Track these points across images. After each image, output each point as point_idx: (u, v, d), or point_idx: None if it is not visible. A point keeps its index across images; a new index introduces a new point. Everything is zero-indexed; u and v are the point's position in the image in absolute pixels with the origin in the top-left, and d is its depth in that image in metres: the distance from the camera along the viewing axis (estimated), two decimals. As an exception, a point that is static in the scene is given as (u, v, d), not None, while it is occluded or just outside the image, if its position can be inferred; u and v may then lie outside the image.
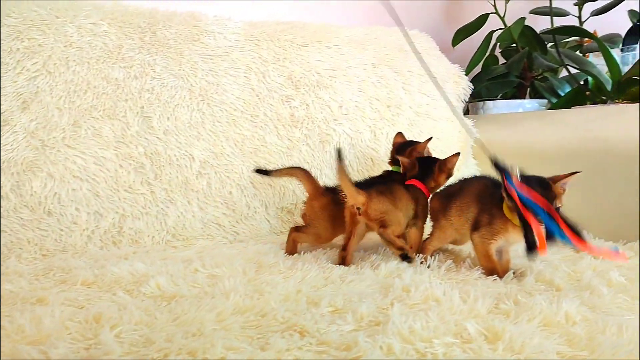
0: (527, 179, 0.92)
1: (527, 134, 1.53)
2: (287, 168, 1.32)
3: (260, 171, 1.26)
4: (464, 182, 1.10)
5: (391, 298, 0.80)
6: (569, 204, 1.33)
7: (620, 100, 1.67)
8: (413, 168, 1.17)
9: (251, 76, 1.46)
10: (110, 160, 1.27)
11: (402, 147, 1.28)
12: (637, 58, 1.66)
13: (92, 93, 1.29)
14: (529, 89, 2.07)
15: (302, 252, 1.12)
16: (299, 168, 1.26)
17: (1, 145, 1.19)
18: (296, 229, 1.18)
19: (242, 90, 1.44)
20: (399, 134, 1.36)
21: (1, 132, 1.19)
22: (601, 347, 0.62)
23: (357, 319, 0.71)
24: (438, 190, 1.16)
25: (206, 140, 1.36)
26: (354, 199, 1.05)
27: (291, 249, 1.16)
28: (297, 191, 1.38)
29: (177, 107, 1.36)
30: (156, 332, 0.66)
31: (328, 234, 1.17)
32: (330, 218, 1.15)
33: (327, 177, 1.41)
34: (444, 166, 1.15)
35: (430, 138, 1.28)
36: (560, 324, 0.69)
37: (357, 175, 1.45)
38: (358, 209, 1.05)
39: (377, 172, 1.48)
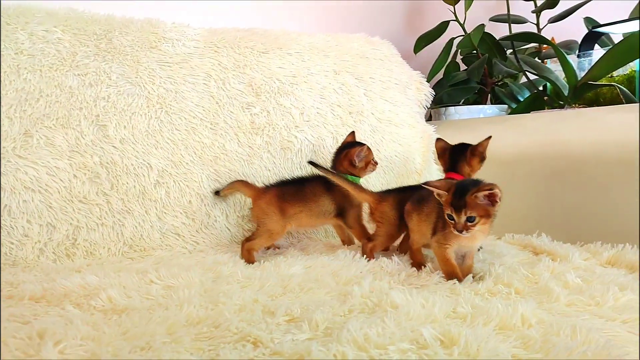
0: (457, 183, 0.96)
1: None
2: (229, 184, 1.33)
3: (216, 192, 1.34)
4: None
5: (349, 305, 0.79)
6: (527, 204, 1.35)
7: (577, 105, 1.70)
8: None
9: (211, 83, 1.44)
10: (64, 170, 1.23)
11: (340, 150, 1.32)
12: (593, 64, 1.69)
13: (45, 101, 1.26)
14: (490, 95, 2.09)
15: (262, 262, 1.11)
16: (237, 180, 1.33)
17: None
18: (247, 239, 1.19)
19: (202, 98, 1.42)
20: (351, 133, 1.37)
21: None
22: (555, 348, 0.62)
23: (312, 328, 0.70)
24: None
25: (164, 149, 1.33)
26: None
27: (248, 259, 1.14)
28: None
29: (134, 115, 1.33)
30: (103, 347, 0.63)
31: (279, 227, 1.21)
32: (278, 210, 1.20)
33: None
34: (476, 150, 1.24)
35: (364, 145, 1.28)
36: (516, 326, 0.69)
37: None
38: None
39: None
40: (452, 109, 1.95)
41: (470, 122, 1.76)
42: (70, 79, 1.29)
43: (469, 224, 0.91)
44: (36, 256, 1.15)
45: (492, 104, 2.07)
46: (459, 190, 0.92)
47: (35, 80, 1.26)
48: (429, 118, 2.02)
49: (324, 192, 1.25)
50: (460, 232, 0.91)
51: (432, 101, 1.87)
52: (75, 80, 1.30)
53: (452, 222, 0.92)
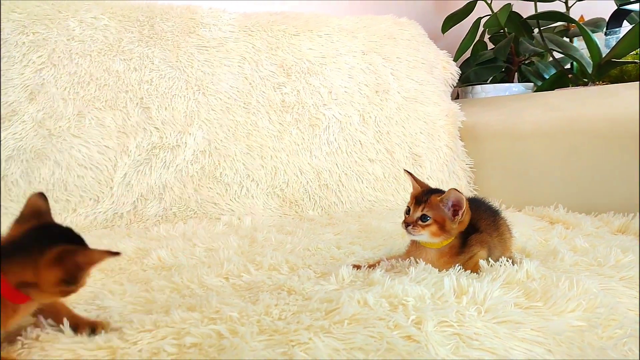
0: None
1: (510, 116, 1.60)
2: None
3: None
4: None
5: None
6: (547, 178, 1.41)
7: (601, 83, 1.73)
8: None
9: (245, 65, 1.53)
10: (112, 149, 1.34)
11: None
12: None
13: (95, 84, 1.37)
14: (517, 74, 2.13)
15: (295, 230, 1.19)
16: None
17: (1, 138, 1.26)
18: None
19: (236, 79, 1.51)
20: None
21: (1, 129, 1.26)
22: (553, 297, 0.70)
23: (339, 281, 0.79)
24: None
25: (201, 129, 1.43)
26: None
27: None
28: (288, 170, 1.46)
29: (174, 98, 1.43)
30: (157, 293, 0.73)
31: None
32: None
33: (316, 158, 1.49)
34: None
35: None
36: (521, 281, 0.77)
37: (346, 157, 1.53)
38: None
39: (365, 153, 1.56)
40: (478, 87, 1.99)
41: (495, 99, 1.81)
42: (117, 64, 1.40)
43: (420, 222, 0.83)
44: (86, 227, 1.27)
45: (519, 82, 2.11)
46: (430, 190, 0.87)
47: (86, 64, 1.37)
48: (456, 97, 2.07)
49: None
50: (406, 226, 0.84)
51: (459, 80, 1.92)
52: (121, 64, 1.40)
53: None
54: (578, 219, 1.19)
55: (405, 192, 1.54)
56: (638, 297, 0.73)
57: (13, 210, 1.22)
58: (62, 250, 0.57)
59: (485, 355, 0.60)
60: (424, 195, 0.84)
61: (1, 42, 1.32)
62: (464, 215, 0.83)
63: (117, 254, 0.58)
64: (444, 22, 2.13)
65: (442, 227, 0.82)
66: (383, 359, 0.57)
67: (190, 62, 1.48)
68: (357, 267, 0.86)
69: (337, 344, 0.59)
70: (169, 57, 1.46)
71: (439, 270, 0.81)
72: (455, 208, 0.82)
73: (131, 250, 1.01)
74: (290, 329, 0.61)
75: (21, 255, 0.57)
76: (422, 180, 0.91)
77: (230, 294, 0.74)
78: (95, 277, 0.85)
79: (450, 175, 1.64)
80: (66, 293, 0.60)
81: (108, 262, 0.96)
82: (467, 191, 1.58)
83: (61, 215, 1.25)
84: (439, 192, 0.85)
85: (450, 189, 0.82)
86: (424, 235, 0.83)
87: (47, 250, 0.56)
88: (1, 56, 1.31)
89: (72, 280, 0.58)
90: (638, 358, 0.64)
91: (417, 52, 1.77)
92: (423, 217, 0.82)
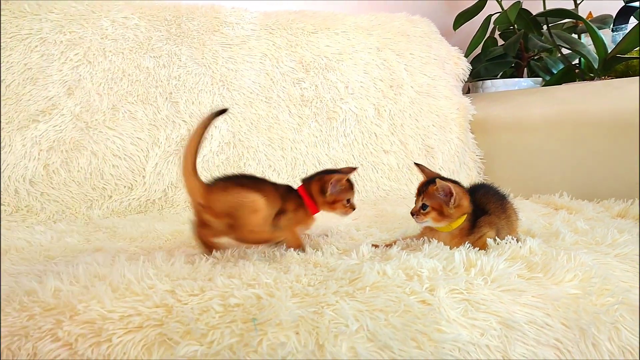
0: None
1: (519, 109, 1.67)
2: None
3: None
4: None
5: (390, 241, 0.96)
6: (553, 168, 1.48)
7: (607, 77, 1.79)
8: None
9: (266, 62, 1.62)
10: (144, 140, 1.44)
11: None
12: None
13: (127, 80, 1.46)
14: (526, 69, 2.20)
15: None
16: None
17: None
18: None
19: (258, 75, 1.60)
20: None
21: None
22: (552, 269, 0.78)
23: (360, 256, 0.87)
24: None
25: (225, 122, 1.52)
26: None
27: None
28: (307, 161, 1.55)
29: (200, 93, 1.53)
30: (199, 273, 0.82)
31: None
32: None
33: (334, 150, 1.58)
34: None
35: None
36: (524, 256, 0.85)
37: (362, 148, 1.61)
38: None
39: (380, 145, 1.64)
40: (488, 82, 2.07)
41: (505, 93, 1.88)
42: (147, 61, 1.49)
43: (422, 211, 0.93)
44: (121, 212, 1.37)
45: (528, 77, 2.17)
46: (430, 180, 0.95)
47: (119, 61, 1.46)
48: (467, 91, 2.15)
49: None
50: (412, 215, 0.94)
51: (470, 75, 1.99)
52: (151, 61, 1.50)
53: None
54: (581, 205, 1.27)
55: (418, 182, 1.63)
56: (633, 272, 0.81)
57: (55, 197, 1.32)
58: (320, 175, 0.99)
59: (491, 317, 0.69)
60: (424, 186, 0.94)
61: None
62: (458, 200, 0.91)
63: (354, 169, 1.02)
64: (455, 19, 2.21)
65: (441, 213, 0.92)
66: (401, 318, 0.66)
67: (215, 59, 1.57)
68: (376, 246, 0.95)
69: (361, 306, 0.67)
70: (195, 54, 1.55)
71: (450, 249, 0.90)
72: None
73: (168, 232, 1.11)
74: (319, 293, 0.70)
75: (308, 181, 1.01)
76: (430, 170, 1.01)
77: (263, 265, 0.83)
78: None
79: (461, 165, 1.72)
80: (330, 205, 0.99)
81: (149, 241, 1.06)
82: (478, 180, 1.65)
83: (98, 202, 1.35)
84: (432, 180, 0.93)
85: (436, 181, 0.90)
86: (428, 221, 0.93)
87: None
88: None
89: (324, 190, 0.97)
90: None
91: (429, 48, 1.85)
92: (423, 206, 0.93)
